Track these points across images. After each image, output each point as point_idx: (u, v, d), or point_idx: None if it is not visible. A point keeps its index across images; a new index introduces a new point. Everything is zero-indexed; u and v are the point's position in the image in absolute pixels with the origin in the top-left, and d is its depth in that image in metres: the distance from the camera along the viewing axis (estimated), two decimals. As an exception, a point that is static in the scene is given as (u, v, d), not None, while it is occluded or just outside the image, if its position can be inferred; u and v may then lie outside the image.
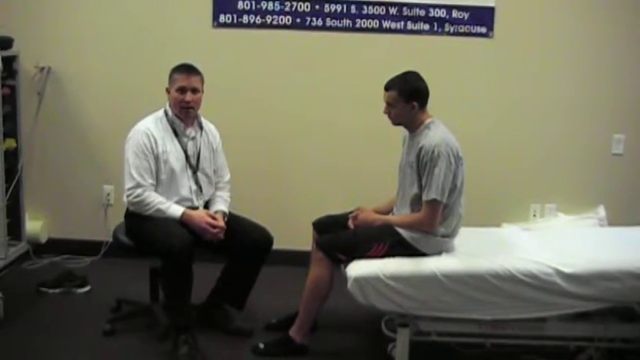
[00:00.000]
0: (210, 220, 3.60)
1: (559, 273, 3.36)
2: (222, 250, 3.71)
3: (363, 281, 3.39)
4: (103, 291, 4.34)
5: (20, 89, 4.75)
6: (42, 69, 4.82)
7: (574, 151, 4.82)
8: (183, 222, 3.57)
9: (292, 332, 3.62)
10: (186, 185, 3.71)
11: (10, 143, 4.66)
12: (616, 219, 4.59)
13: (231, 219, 3.80)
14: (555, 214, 4.79)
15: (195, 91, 3.66)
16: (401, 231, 3.51)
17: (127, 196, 3.59)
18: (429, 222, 3.44)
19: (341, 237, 3.61)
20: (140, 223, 3.61)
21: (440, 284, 3.37)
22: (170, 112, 3.71)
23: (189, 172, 3.73)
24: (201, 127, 3.82)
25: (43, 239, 5.01)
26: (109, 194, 4.94)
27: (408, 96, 3.48)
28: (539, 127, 4.79)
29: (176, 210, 3.59)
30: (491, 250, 3.62)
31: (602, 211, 4.66)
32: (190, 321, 3.59)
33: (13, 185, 4.67)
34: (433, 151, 3.37)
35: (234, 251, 3.71)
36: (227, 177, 3.97)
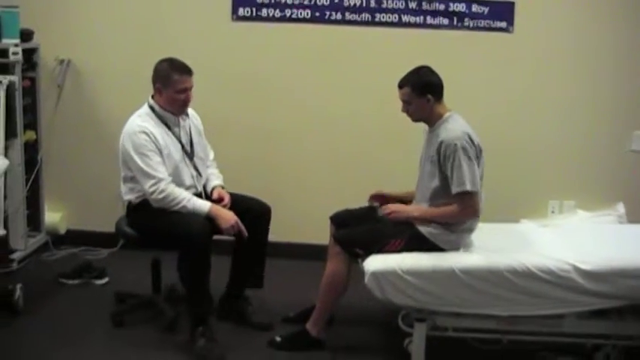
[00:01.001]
0: (237, 221, 3.60)
1: (577, 270, 3.36)
2: None
3: (380, 276, 3.40)
4: (121, 283, 4.38)
5: (40, 82, 4.80)
6: (62, 61, 4.86)
7: (594, 148, 4.79)
8: (209, 217, 3.58)
9: (308, 326, 3.64)
10: (187, 173, 3.74)
11: (30, 135, 4.71)
12: (635, 216, 4.56)
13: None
14: (574, 211, 4.77)
15: (191, 88, 3.69)
16: (419, 226, 3.52)
17: (151, 194, 3.56)
18: (470, 213, 3.45)
19: (358, 232, 3.62)
20: (151, 214, 3.62)
21: (458, 280, 3.37)
22: (157, 107, 3.70)
23: (187, 160, 3.76)
24: (186, 114, 3.83)
25: (62, 231, 5.06)
26: (127, 187, 4.96)
27: (421, 90, 3.49)
28: (558, 123, 4.77)
29: (202, 206, 3.60)
30: (510, 247, 3.62)
31: (621, 208, 4.63)
32: (208, 312, 3.61)
33: (32, 177, 4.72)
34: (456, 144, 3.38)
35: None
36: (212, 155, 4.03)
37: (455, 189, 3.40)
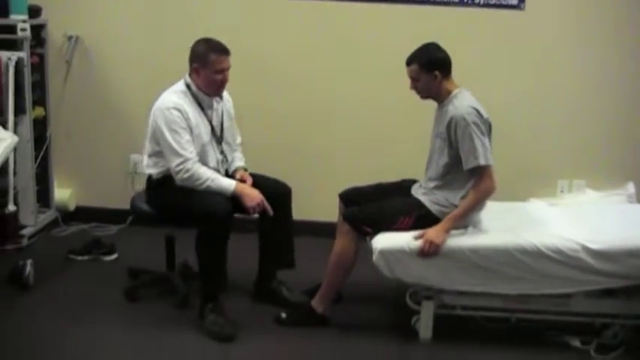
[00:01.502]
0: (263, 199, 3.59)
1: (586, 249, 3.36)
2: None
3: (388, 254, 3.41)
4: (131, 259, 4.40)
5: (49, 58, 4.80)
6: (70, 38, 4.84)
7: (604, 127, 4.76)
8: (234, 195, 3.57)
9: (314, 303, 3.66)
10: (213, 157, 3.73)
11: (39, 112, 4.72)
12: (646, 196, 4.57)
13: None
14: (583, 191, 4.75)
15: (229, 68, 3.67)
16: (428, 204, 3.52)
17: (176, 173, 3.55)
18: (488, 189, 3.42)
19: (367, 209, 3.62)
20: (171, 191, 3.62)
21: (466, 259, 3.38)
22: (193, 87, 3.68)
23: (215, 143, 3.75)
24: (220, 97, 3.82)
25: (72, 207, 5.07)
26: (136, 163, 4.96)
27: (428, 67, 3.48)
28: (568, 102, 4.74)
29: (228, 185, 3.59)
30: (518, 226, 3.62)
31: (631, 188, 4.62)
32: (219, 289, 3.64)
33: (42, 153, 4.74)
34: (465, 119, 3.36)
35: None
36: (239, 139, 4.00)
37: (468, 165, 3.39)
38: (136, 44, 4.86)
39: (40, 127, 4.76)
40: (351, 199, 3.79)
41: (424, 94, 3.58)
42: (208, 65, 3.60)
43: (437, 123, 3.60)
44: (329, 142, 4.88)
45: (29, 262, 3.96)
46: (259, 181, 3.80)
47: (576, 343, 3.50)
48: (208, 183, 3.55)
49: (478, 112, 3.41)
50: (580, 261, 3.36)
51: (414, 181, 3.78)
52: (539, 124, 4.78)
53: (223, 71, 3.63)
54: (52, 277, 4.10)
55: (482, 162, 3.36)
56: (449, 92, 3.52)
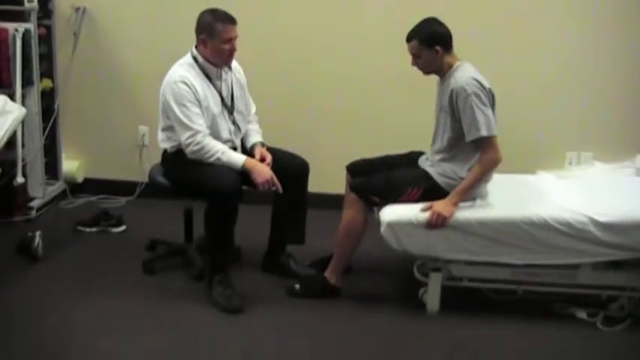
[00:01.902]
0: (273, 175, 3.58)
1: (594, 222, 3.35)
2: None
3: (396, 226, 3.41)
4: (139, 231, 4.41)
5: (56, 30, 4.78)
6: (77, 9, 4.82)
7: (612, 98, 4.72)
8: (243, 170, 3.56)
9: (327, 274, 3.66)
10: (225, 127, 3.71)
11: (47, 84, 4.71)
12: (654, 168, 4.53)
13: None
14: (592, 163, 4.73)
15: (236, 38, 3.64)
16: (435, 176, 3.51)
17: (187, 146, 3.55)
18: (492, 160, 3.40)
19: (375, 180, 3.61)
20: (185, 164, 3.62)
21: (474, 230, 3.38)
22: (200, 58, 3.65)
23: (226, 113, 3.74)
24: (229, 67, 3.80)
25: (80, 179, 5.08)
26: (144, 135, 4.97)
27: (429, 42, 3.45)
28: (576, 73, 4.70)
29: (238, 159, 3.57)
30: (526, 198, 3.61)
31: (639, 160, 4.59)
32: (227, 261, 3.65)
33: (50, 125, 4.73)
34: (465, 90, 3.34)
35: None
36: (253, 110, 3.99)
37: (470, 136, 3.37)
38: (143, 15, 4.84)
39: (48, 99, 4.75)
40: (358, 170, 3.78)
41: (426, 69, 3.56)
42: (215, 35, 3.57)
43: (439, 97, 3.58)
44: (337, 115, 4.87)
45: (38, 233, 3.97)
46: (277, 156, 3.79)
47: (583, 315, 3.51)
48: (218, 155, 3.54)
49: (479, 82, 3.38)
50: (588, 233, 3.35)
51: (421, 153, 3.77)
52: (547, 96, 4.75)
53: (231, 40, 3.60)
54: (60, 249, 4.11)
55: (484, 133, 3.34)
56: (450, 66, 3.49)
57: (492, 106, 3.43)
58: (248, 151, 3.79)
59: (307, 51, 4.79)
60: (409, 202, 3.49)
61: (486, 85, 3.40)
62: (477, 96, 3.34)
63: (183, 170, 3.65)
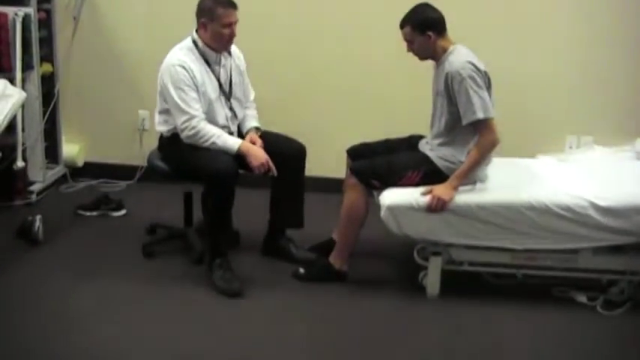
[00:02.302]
0: (268, 159, 3.57)
1: (594, 206, 3.34)
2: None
3: (396, 210, 3.40)
4: (139, 215, 4.41)
5: (56, 13, 4.74)
6: (77, -7, 4.80)
7: (612, 82, 4.70)
8: (239, 154, 3.55)
9: (332, 258, 3.66)
10: (221, 113, 3.70)
11: (47, 68, 4.69)
12: (654, 152, 4.51)
13: (263, 136, 3.82)
14: (592, 147, 4.71)
15: (236, 22, 3.62)
16: (435, 160, 3.50)
17: (182, 131, 3.55)
18: (490, 142, 3.38)
19: (375, 163, 3.60)
20: (181, 148, 3.61)
21: (473, 215, 3.37)
22: (200, 43, 3.63)
23: (223, 99, 3.72)
24: (229, 53, 3.78)
25: (80, 163, 5.07)
26: (144, 119, 4.95)
27: (421, 28, 3.43)
28: (576, 57, 4.68)
29: (233, 143, 3.57)
30: (526, 182, 3.60)
31: (639, 145, 4.58)
32: (226, 245, 3.64)
33: (50, 109, 4.71)
34: (460, 74, 3.33)
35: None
36: (252, 96, 3.97)
37: (467, 119, 3.36)
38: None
39: (48, 83, 4.73)
40: (358, 154, 3.77)
41: (421, 55, 3.55)
42: (216, 19, 3.55)
43: (435, 81, 3.57)
44: (336, 98, 4.85)
45: (38, 217, 3.96)
46: (274, 140, 3.79)
47: (583, 299, 3.50)
48: (214, 139, 3.54)
49: (474, 65, 3.36)
50: (588, 217, 3.34)
51: (421, 137, 3.76)
52: (547, 80, 4.72)
53: (231, 25, 3.58)
54: (61, 233, 4.11)
55: (480, 115, 3.32)
56: (445, 50, 3.47)
57: (488, 88, 3.41)
58: (244, 136, 3.78)
59: (306, 34, 4.76)
60: (409, 185, 3.48)
61: (481, 67, 3.39)
62: (472, 79, 3.32)
63: (179, 154, 3.65)
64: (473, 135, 3.42)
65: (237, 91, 3.81)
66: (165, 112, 3.68)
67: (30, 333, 3.11)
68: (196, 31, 3.66)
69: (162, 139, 3.80)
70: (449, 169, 3.47)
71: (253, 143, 3.70)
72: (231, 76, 3.77)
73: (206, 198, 3.55)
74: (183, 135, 3.56)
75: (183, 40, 3.70)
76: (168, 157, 3.76)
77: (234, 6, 3.58)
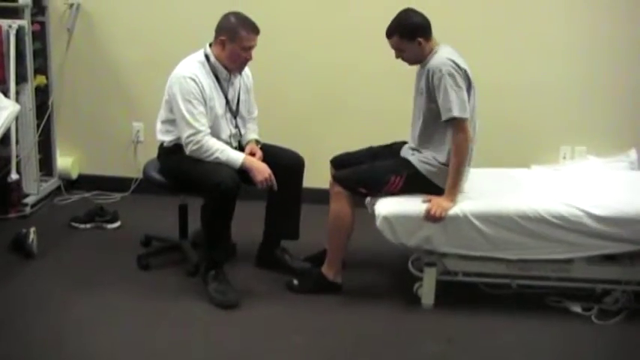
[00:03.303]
0: (271, 173, 3.56)
1: (588, 215, 3.35)
2: None
3: (392, 219, 3.41)
4: (133, 227, 4.40)
5: (50, 26, 4.76)
6: (71, 5, 4.80)
7: (606, 93, 4.72)
8: (242, 169, 3.54)
9: (324, 269, 3.65)
10: (226, 130, 3.70)
11: (41, 80, 4.69)
12: (647, 163, 4.54)
13: (262, 148, 3.83)
14: (585, 157, 4.74)
15: (254, 47, 3.62)
16: (416, 164, 3.51)
17: (186, 144, 3.54)
18: (463, 141, 3.37)
19: (358, 170, 3.62)
20: (182, 159, 3.60)
21: (469, 224, 3.37)
22: (212, 58, 3.63)
23: (229, 116, 3.72)
24: (240, 73, 3.78)
25: (74, 175, 5.07)
26: (138, 131, 4.96)
27: (409, 35, 3.44)
28: (570, 67, 4.70)
29: (237, 158, 3.55)
30: (521, 192, 3.61)
31: (633, 155, 4.60)
32: (223, 257, 3.64)
33: (44, 121, 4.71)
34: (440, 70, 3.34)
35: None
36: (255, 113, 3.97)
37: (444, 116, 3.36)
38: (138, 11, 4.82)
39: (42, 95, 4.73)
40: (342, 163, 3.77)
41: (411, 61, 3.56)
42: (237, 40, 3.55)
43: (417, 81, 3.58)
44: (331, 109, 4.86)
45: (32, 230, 3.96)
46: (273, 152, 3.80)
47: (577, 309, 3.50)
48: (217, 154, 3.53)
49: (455, 63, 3.37)
50: (583, 226, 3.35)
51: (403, 143, 3.76)
52: (541, 90, 4.74)
53: (250, 49, 3.59)
54: (55, 245, 4.10)
55: (455, 113, 3.33)
56: (431, 50, 3.49)
57: (469, 87, 3.42)
58: (244, 149, 3.78)
59: (294, 47, 4.77)
60: (393, 190, 3.50)
61: (462, 65, 3.40)
62: (452, 76, 3.33)
63: (180, 165, 3.63)
64: (447, 134, 3.43)
65: (242, 109, 3.81)
66: (169, 122, 3.67)
67: (24, 346, 3.09)
68: (210, 45, 3.66)
69: (162, 148, 3.79)
70: (429, 172, 3.48)
71: (253, 154, 3.70)
72: (239, 94, 3.78)
73: (206, 210, 3.54)
74: (187, 149, 3.56)
75: (195, 52, 3.69)
76: (168, 167, 3.75)
77: (257, 31, 3.58)
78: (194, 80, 3.55)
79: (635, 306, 3.47)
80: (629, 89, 4.70)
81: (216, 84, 3.65)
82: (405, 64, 3.59)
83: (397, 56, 3.55)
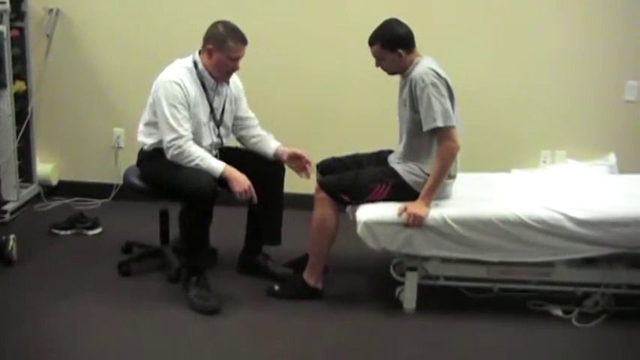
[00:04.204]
0: (250, 185, 3.53)
1: (568, 218, 3.38)
2: None
3: (373, 225, 3.42)
4: (115, 233, 4.39)
5: (29, 31, 4.73)
6: (51, 10, 4.79)
7: (586, 97, 4.76)
8: (221, 178, 3.53)
9: (305, 275, 3.66)
10: (208, 137, 3.70)
11: (20, 86, 4.67)
12: (626, 166, 4.58)
13: (241, 154, 3.85)
14: (565, 161, 4.78)
15: (242, 57, 3.62)
16: (402, 174, 3.52)
17: (168, 149, 3.53)
18: (449, 150, 3.38)
19: (343, 177, 3.63)
20: (161, 164, 3.60)
21: (450, 228, 3.39)
22: (200, 65, 3.62)
23: (212, 125, 3.72)
24: (227, 82, 3.78)
25: (54, 181, 5.05)
26: (119, 137, 4.95)
27: (391, 45, 3.46)
28: (551, 72, 4.74)
29: (218, 166, 3.53)
30: (501, 196, 3.63)
31: (612, 159, 4.64)
32: (203, 263, 3.65)
33: (23, 128, 4.69)
34: (423, 80, 3.35)
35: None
36: (255, 119, 3.96)
37: (427, 126, 3.38)
38: (118, 16, 4.81)
39: (22, 101, 4.71)
40: (328, 169, 3.79)
41: (391, 71, 3.58)
42: (224, 50, 3.55)
43: (401, 91, 3.60)
44: (314, 113, 4.87)
45: (12, 237, 3.93)
46: (254, 158, 3.80)
47: (558, 312, 3.53)
48: (197, 161, 3.52)
49: (436, 72, 3.39)
50: (563, 229, 3.37)
51: (390, 152, 3.78)
52: (521, 94, 4.78)
53: (237, 59, 3.60)
54: (35, 252, 4.08)
55: (439, 123, 3.34)
56: (412, 62, 3.51)
57: (451, 96, 3.43)
58: (270, 157, 3.81)
59: (279, 51, 4.78)
60: (378, 199, 3.51)
61: (443, 75, 3.41)
62: (434, 85, 3.35)
63: (159, 170, 3.63)
64: (432, 144, 3.45)
65: (227, 119, 3.81)
66: (152, 124, 3.66)
67: (3, 354, 3.08)
68: (199, 52, 3.65)
69: (142, 153, 3.77)
70: (415, 182, 3.50)
71: (299, 156, 3.74)
72: (224, 104, 3.77)
73: (184, 216, 3.54)
74: (168, 153, 3.55)
75: (183, 58, 3.68)
76: (147, 172, 3.74)
77: (245, 42, 3.58)
78: (179, 85, 3.54)
79: (615, 308, 3.51)
80: (609, 94, 4.75)
81: (202, 91, 3.65)
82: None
83: (377, 65, 3.57)
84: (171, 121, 3.52)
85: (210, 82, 3.66)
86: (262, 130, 3.92)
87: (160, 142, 3.61)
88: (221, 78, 3.68)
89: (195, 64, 3.64)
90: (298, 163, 3.82)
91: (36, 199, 4.91)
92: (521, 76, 4.75)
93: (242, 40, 3.58)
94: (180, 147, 3.52)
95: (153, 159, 3.69)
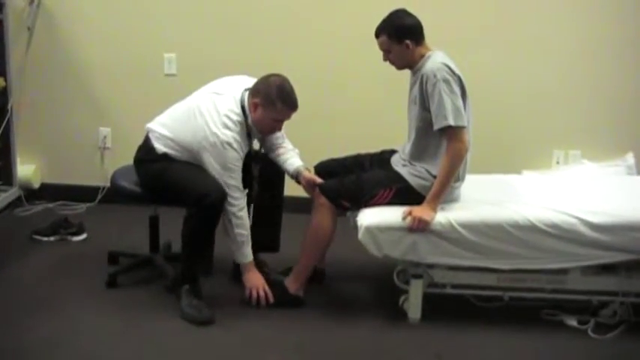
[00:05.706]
0: (261, 291, 3.62)
1: (583, 222, 3.37)
2: None
3: (375, 230, 3.41)
4: (100, 239, 4.39)
5: (9, 24, 4.73)
6: (32, 2, 4.81)
7: (601, 94, 4.77)
8: (239, 267, 3.65)
9: (287, 282, 3.66)
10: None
11: (-1, 82, 4.68)
12: (646, 167, 4.60)
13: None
14: (580, 161, 4.77)
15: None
16: (408, 177, 3.52)
17: (232, 206, 3.51)
18: (457, 152, 3.37)
19: (345, 182, 3.61)
20: (165, 168, 3.60)
21: (457, 233, 3.39)
22: (250, 119, 3.58)
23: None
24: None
25: (36, 184, 5.05)
26: (105, 137, 4.95)
27: (398, 36, 3.46)
28: (563, 69, 4.75)
29: (245, 256, 3.62)
30: (511, 199, 3.63)
31: (630, 159, 4.64)
32: (199, 271, 3.65)
33: (2, 127, 4.69)
34: (435, 75, 3.35)
35: (248, 193, 3.71)
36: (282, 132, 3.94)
37: (437, 125, 3.37)
38: (103, 9, 4.82)
39: (1, 98, 4.71)
40: (327, 171, 3.78)
41: (398, 64, 3.57)
42: (271, 109, 3.53)
43: (411, 88, 3.59)
44: (315, 114, 4.85)
45: (-9, 243, 3.95)
46: (258, 157, 3.81)
47: (573, 322, 3.53)
48: (239, 230, 3.56)
49: (449, 68, 3.39)
50: (577, 234, 3.37)
51: (393, 152, 3.78)
52: (533, 92, 4.79)
53: (282, 121, 3.61)
54: (15, 260, 4.08)
55: (451, 122, 3.34)
56: (422, 56, 3.50)
57: (463, 94, 3.43)
58: (289, 173, 3.79)
59: (278, 51, 4.79)
60: (381, 203, 3.51)
61: (456, 71, 3.41)
62: (447, 82, 3.35)
63: (163, 173, 3.62)
64: (441, 145, 3.44)
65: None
66: (178, 143, 3.62)
67: (-17, 368, 3.09)
68: (247, 92, 3.61)
69: (149, 153, 3.70)
70: (422, 186, 3.49)
71: (312, 182, 3.69)
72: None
73: (189, 221, 3.52)
74: (230, 208, 3.52)
75: (233, 96, 3.60)
76: (149, 173, 3.71)
77: (295, 108, 3.57)
78: (235, 149, 3.51)
79: (634, 319, 3.51)
80: (626, 90, 4.75)
81: (247, 141, 3.62)
82: (391, 70, 3.61)
83: (385, 58, 3.56)
84: (235, 182, 3.52)
85: (255, 133, 3.66)
86: (289, 144, 3.89)
87: (177, 152, 3.60)
88: (259, 133, 3.68)
89: (246, 116, 3.58)
90: (313, 189, 3.78)
91: (16, 203, 4.91)
92: (532, 71, 4.76)
93: (292, 105, 3.56)
94: (243, 208, 3.55)
95: (160, 161, 3.66)
